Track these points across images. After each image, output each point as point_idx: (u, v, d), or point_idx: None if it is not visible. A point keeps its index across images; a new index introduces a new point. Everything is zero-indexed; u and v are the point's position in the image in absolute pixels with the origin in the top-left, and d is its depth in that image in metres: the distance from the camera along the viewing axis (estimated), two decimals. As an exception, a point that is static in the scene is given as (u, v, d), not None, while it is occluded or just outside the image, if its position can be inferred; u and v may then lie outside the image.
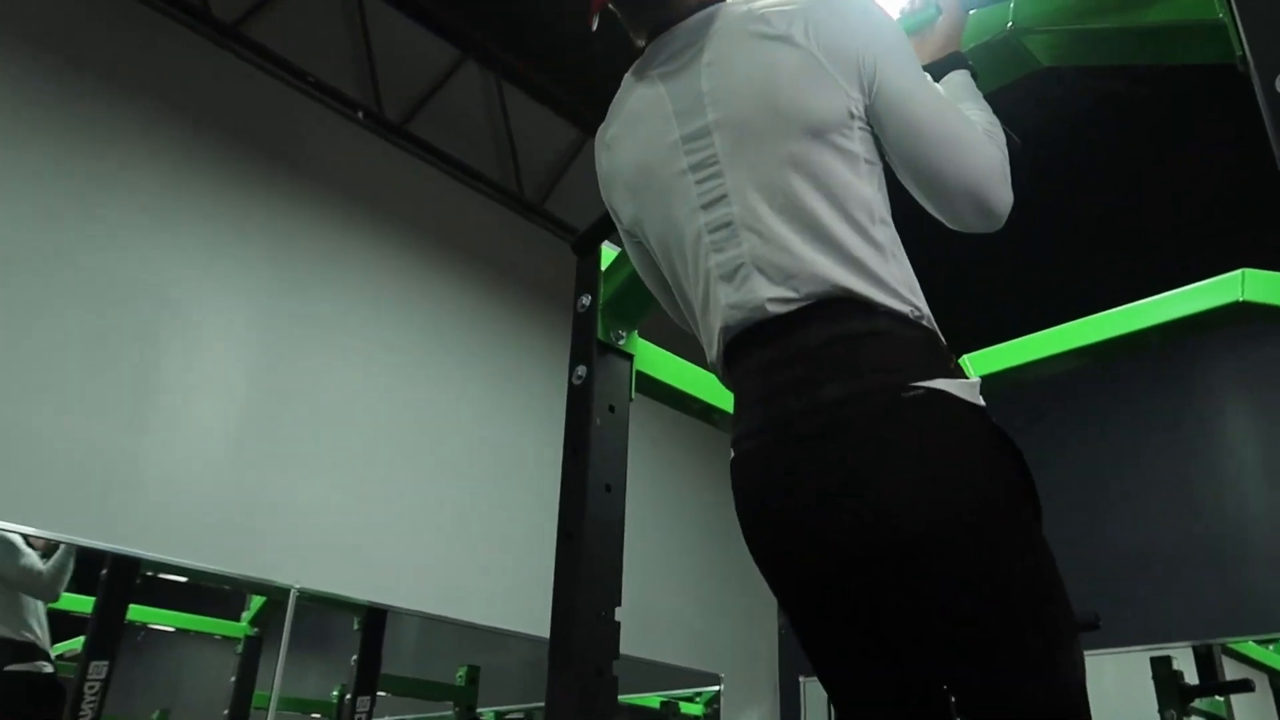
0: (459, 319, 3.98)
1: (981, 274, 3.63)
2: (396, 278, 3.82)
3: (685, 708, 4.64)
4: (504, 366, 4.07)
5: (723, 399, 1.76)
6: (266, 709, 3.09)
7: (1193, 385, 3.46)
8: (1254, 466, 3.26)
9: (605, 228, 1.82)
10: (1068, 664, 1.03)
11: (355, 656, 3.44)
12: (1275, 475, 3.22)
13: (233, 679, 3.23)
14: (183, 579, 3.04)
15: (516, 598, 3.61)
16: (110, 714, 2.80)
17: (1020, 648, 1.01)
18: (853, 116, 1.14)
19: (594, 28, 1.24)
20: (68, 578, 2.82)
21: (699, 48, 1.21)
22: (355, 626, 3.48)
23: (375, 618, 3.47)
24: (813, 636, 1.15)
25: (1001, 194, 1.15)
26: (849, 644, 1.12)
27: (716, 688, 4.47)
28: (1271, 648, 3.91)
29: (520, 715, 4.62)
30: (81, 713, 2.72)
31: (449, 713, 4.08)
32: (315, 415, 3.40)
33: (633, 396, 1.79)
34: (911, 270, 1.14)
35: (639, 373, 1.81)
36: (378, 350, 3.66)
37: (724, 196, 1.16)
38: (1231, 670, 3.57)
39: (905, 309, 1.09)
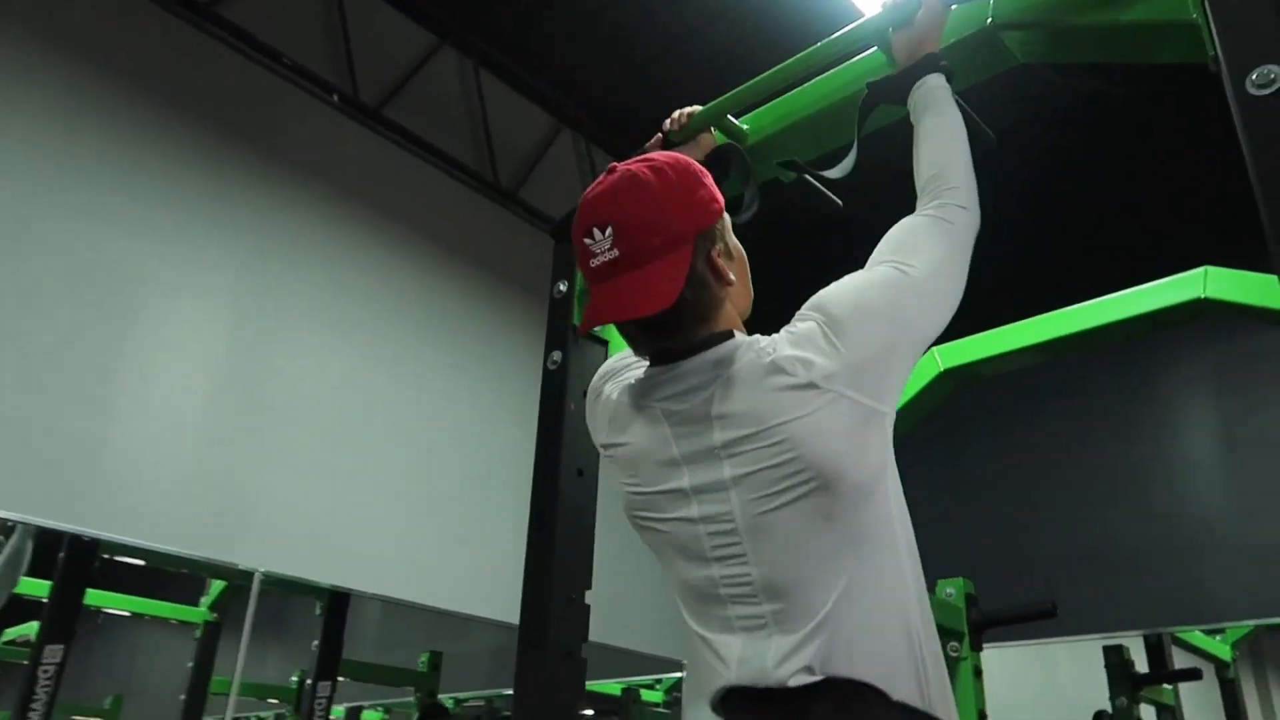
0: (432, 305, 3.96)
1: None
2: (369, 262, 3.78)
3: (646, 695, 4.67)
4: (477, 353, 4.06)
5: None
6: (224, 695, 3.06)
7: (1153, 381, 3.54)
8: (1209, 462, 3.35)
9: (583, 213, 1.83)
10: None
11: (316, 641, 3.41)
12: (1229, 470, 3.30)
13: (190, 664, 3.20)
14: (140, 562, 3.00)
15: (482, 583, 3.61)
16: (65, 699, 2.76)
17: None
18: (886, 447, 1.10)
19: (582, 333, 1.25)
20: (24, 560, 2.77)
21: (709, 394, 1.11)
22: (317, 611, 3.45)
23: (338, 602, 3.45)
24: None
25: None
26: None
27: (678, 674, 4.49)
28: (1219, 638, 4.02)
29: (481, 702, 4.62)
30: (35, 697, 2.68)
31: (410, 699, 4.07)
32: (283, 399, 3.36)
33: (607, 383, 1.79)
34: (939, 652, 1.11)
35: (614, 359, 1.81)
36: (349, 335, 3.63)
37: (742, 556, 1.09)
38: (1180, 659, 3.67)
39: (920, 703, 1.04)
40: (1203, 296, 1.83)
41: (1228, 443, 3.35)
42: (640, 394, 1.20)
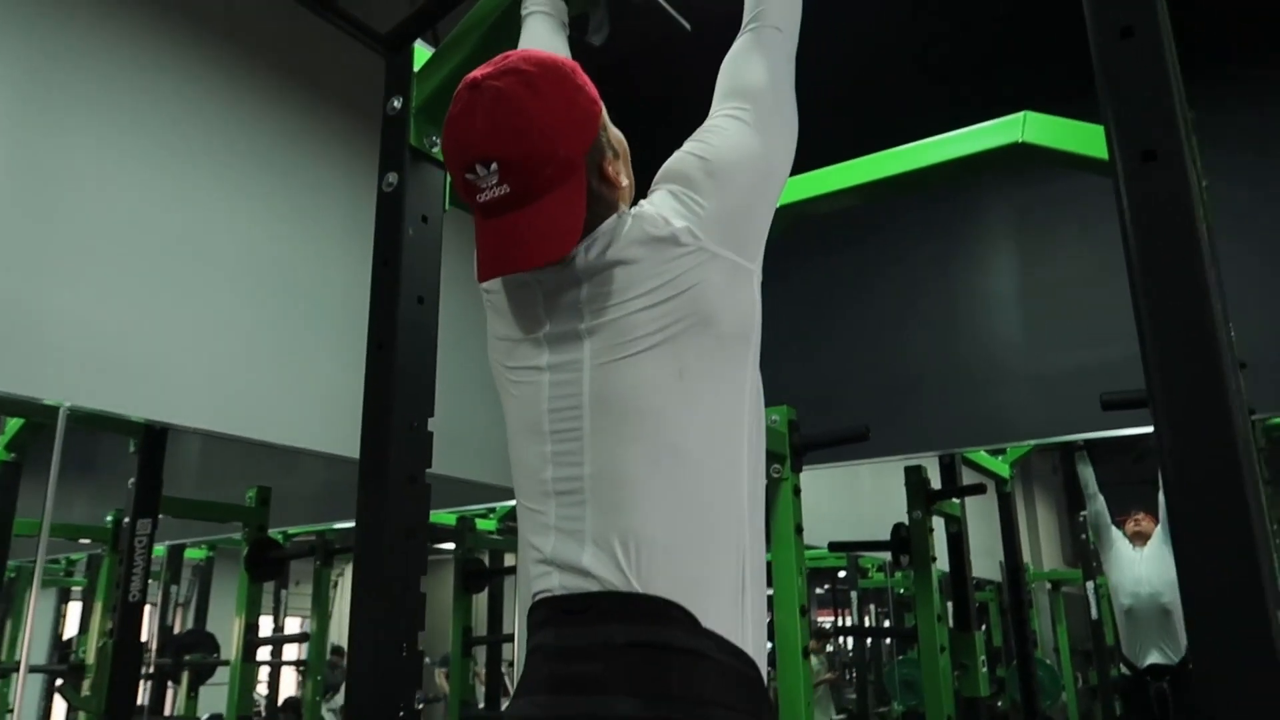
0: (244, 121, 3.64)
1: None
2: (176, 70, 3.40)
3: (481, 524, 4.79)
4: (298, 173, 3.79)
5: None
6: (29, 537, 2.91)
7: (967, 223, 3.75)
8: (1006, 298, 3.63)
9: (419, 23, 1.70)
10: None
11: (133, 479, 3.27)
12: (1022, 306, 3.60)
13: (-12, 507, 3.01)
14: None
15: (311, 415, 3.52)
16: None
17: None
18: (755, 306, 1.10)
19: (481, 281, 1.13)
20: None
21: (576, 256, 1.09)
22: (131, 449, 3.29)
23: (154, 437, 3.29)
24: None
25: None
26: None
27: (512, 503, 4.60)
28: (1000, 458, 4.53)
29: (313, 536, 4.61)
30: None
31: (237, 535, 4.00)
32: (81, 214, 3.04)
33: (447, 208, 1.74)
34: (764, 583, 1.06)
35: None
36: (152, 151, 3.29)
37: (577, 432, 1.06)
38: (968, 476, 4.11)
39: (735, 640, 0.98)
40: (1020, 141, 1.92)
41: (1024, 281, 3.64)
42: None
